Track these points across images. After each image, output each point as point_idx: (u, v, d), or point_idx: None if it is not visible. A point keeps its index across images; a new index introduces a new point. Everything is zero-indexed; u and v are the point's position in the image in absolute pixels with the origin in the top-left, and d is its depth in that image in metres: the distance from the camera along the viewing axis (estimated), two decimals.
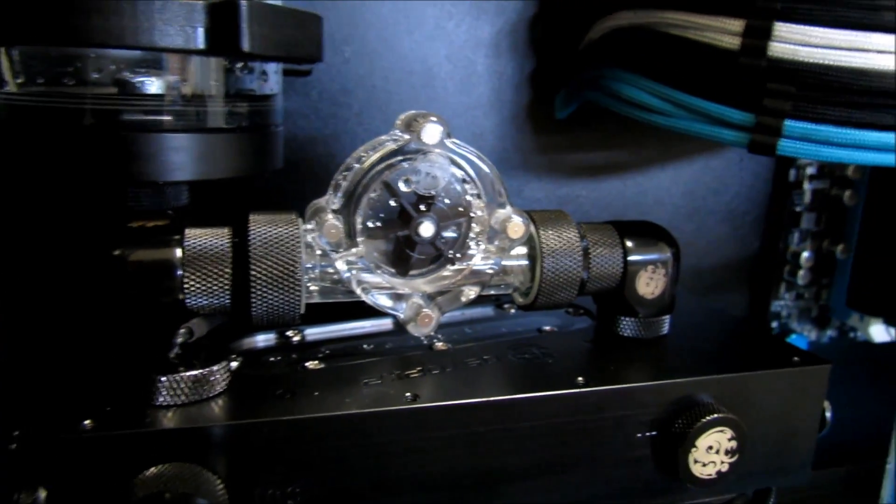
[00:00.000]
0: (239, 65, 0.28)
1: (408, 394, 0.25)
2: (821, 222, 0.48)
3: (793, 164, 0.47)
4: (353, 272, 0.28)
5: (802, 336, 0.50)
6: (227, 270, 0.26)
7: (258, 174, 0.30)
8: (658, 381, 0.28)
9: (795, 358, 0.30)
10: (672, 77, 0.33)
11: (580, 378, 0.27)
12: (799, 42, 0.28)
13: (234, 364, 0.28)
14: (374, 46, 0.38)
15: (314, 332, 0.32)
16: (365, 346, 0.31)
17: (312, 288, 0.28)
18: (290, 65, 0.35)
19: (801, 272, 0.48)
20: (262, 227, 0.26)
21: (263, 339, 0.31)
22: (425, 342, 0.31)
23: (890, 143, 0.29)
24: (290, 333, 0.32)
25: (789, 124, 0.30)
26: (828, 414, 0.32)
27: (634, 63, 0.34)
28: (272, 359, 0.29)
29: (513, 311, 0.36)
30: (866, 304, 0.49)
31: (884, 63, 0.28)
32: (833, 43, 0.28)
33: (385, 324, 0.33)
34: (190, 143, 0.27)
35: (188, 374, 0.24)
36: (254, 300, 0.26)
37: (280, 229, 0.26)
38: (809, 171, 0.47)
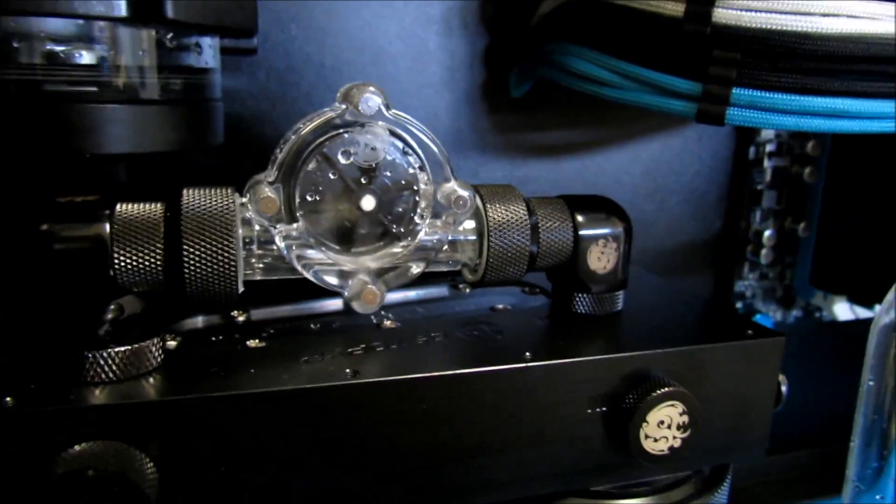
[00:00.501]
0: (169, 35, 0.27)
1: (348, 370, 0.25)
2: (782, 200, 0.48)
3: (752, 142, 0.47)
4: (294, 248, 0.27)
5: (767, 317, 0.50)
6: (158, 246, 0.25)
7: (196, 150, 0.29)
8: (607, 354, 0.27)
9: (749, 331, 0.30)
10: (619, 48, 0.32)
11: (528, 353, 0.27)
12: (742, 7, 0.28)
13: (172, 343, 0.27)
14: (321, 24, 0.38)
15: (261, 313, 0.32)
16: (312, 325, 0.30)
17: (255, 265, 0.27)
18: (231, 40, 0.34)
19: (763, 251, 0.48)
20: (195, 201, 0.25)
21: (206, 320, 0.30)
22: (374, 321, 0.31)
23: (838, 109, 0.29)
24: (235, 314, 0.31)
25: (736, 92, 0.29)
26: (783, 388, 0.31)
27: (583, 36, 0.34)
28: (213, 338, 0.28)
29: (468, 290, 0.35)
30: (830, 282, 0.49)
31: (828, 26, 0.27)
32: (776, 7, 0.27)
33: (335, 304, 0.33)
34: (121, 115, 0.26)
35: (117, 349, 0.23)
36: (187, 277, 0.25)
37: (214, 203, 0.25)
38: (769, 148, 0.47)
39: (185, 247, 0.24)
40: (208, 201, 0.25)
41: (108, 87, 0.26)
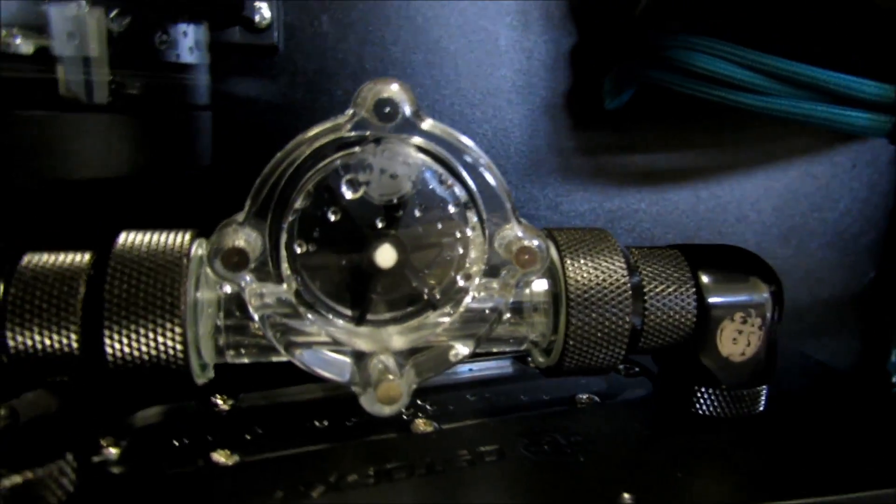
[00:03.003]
0: (113, 12, 0.19)
1: None
2: None
3: None
4: (276, 318, 0.18)
5: None
6: (73, 319, 0.17)
7: (167, 175, 0.21)
8: (761, 502, 0.17)
9: None
10: (766, 37, 0.23)
11: (627, 495, 0.17)
12: None
13: (113, 451, 0.19)
14: (360, 14, 0.30)
15: (254, 398, 0.23)
16: (317, 422, 0.22)
17: (231, 343, 0.19)
18: (248, 35, 0.27)
19: None
20: (129, 253, 0.17)
21: (174, 410, 0.22)
22: (404, 416, 0.22)
23: None
24: (218, 399, 0.23)
25: None
26: None
27: (711, 23, 0.25)
28: (176, 442, 0.20)
29: None
30: None
31: None
32: None
33: None
34: (53, 126, 0.19)
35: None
36: (112, 365, 0.17)
37: (156, 256, 0.17)
38: None
39: (106, 323, 0.16)
40: (148, 253, 0.17)
41: (38, 86, 0.19)
